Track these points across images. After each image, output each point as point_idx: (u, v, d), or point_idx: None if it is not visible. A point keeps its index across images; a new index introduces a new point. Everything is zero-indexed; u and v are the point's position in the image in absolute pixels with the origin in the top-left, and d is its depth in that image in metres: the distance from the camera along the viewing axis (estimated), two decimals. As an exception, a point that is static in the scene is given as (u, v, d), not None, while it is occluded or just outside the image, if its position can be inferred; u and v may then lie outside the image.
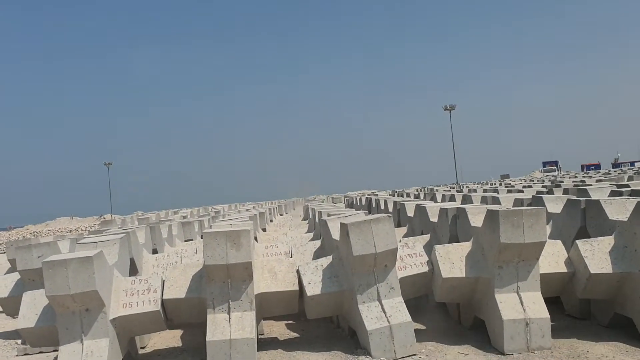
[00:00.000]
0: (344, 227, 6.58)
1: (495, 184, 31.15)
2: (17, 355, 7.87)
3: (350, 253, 6.39)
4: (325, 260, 6.94)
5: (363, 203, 20.34)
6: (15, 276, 8.71)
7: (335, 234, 7.25)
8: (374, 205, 16.72)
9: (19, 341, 8.29)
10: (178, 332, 7.97)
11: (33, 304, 6.28)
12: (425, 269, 6.94)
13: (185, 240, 12.04)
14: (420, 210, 9.60)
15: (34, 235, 48.87)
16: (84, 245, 6.88)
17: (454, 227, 7.85)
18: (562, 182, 19.96)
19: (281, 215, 22.06)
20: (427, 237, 7.83)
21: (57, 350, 7.18)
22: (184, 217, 17.90)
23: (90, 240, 7.32)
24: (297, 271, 6.85)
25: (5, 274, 9.62)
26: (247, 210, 18.53)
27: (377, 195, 25.60)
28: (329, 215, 8.66)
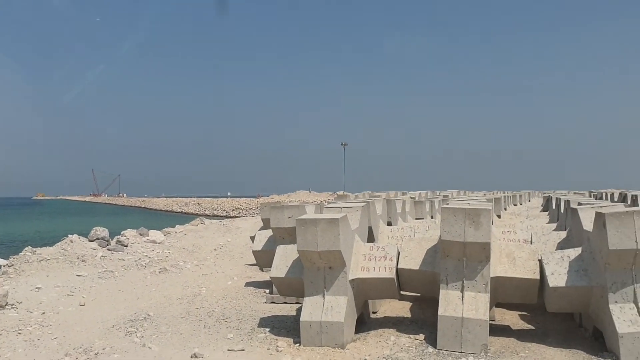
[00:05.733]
0: (600, 217, 5.90)
1: None
2: (265, 302, 8.89)
3: (605, 246, 5.71)
4: (573, 252, 6.33)
5: (615, 199, 18.08)
6: (268, 233, 9.82)
7: (587, 224, 6.56)
8: (629, 202, 14.75)
9: (267, 291, 9.34)
10: (407, 304, 8.12)
11: (285, 257, 6.98)
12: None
13: (416, 218, 12.17)
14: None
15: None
16: (329, 209, 7.41)
17: None
18: None
19: (515, 205, 20.87)
20: None
21: (298, 303, 7.95)
22: (413, 198, 18.08)
23: (335, 205, 7.85)
24: (539, 260, 6.39)
25: (259, 230, 10.88)
26: (476, 197, 17.90)
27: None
28: (579, 204, 7.87)
